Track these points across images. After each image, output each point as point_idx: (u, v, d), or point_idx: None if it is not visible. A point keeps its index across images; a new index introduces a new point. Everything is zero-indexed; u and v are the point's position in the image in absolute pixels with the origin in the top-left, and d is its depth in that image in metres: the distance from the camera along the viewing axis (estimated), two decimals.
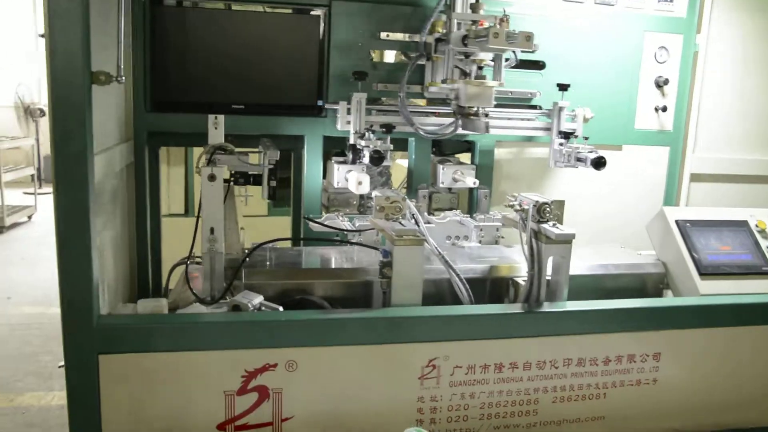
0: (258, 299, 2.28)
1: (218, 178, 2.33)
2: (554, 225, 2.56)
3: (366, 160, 3.05)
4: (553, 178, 3.79)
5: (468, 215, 3.31)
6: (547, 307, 2.47)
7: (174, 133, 3.47)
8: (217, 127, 3.01)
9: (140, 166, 3.28)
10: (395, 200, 2.52)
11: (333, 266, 2.72)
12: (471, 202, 3.77)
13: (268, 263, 2.64)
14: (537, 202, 2.59)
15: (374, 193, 2.70)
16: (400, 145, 4.01)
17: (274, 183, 2.88)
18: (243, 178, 2.92)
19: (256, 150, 3.00)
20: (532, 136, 3.66)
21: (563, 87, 3.43)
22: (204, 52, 3.27)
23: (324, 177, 3.67)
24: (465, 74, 3.20)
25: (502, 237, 3.26)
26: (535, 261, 2.56)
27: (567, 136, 3.41)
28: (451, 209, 3.72)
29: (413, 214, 2.60)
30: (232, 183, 2.95)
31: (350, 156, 3.15)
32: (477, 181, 3.43)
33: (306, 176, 3.51)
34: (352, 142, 3.21)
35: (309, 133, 3.44)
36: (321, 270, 2.64)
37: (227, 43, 3.28)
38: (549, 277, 2.60)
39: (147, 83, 3.23)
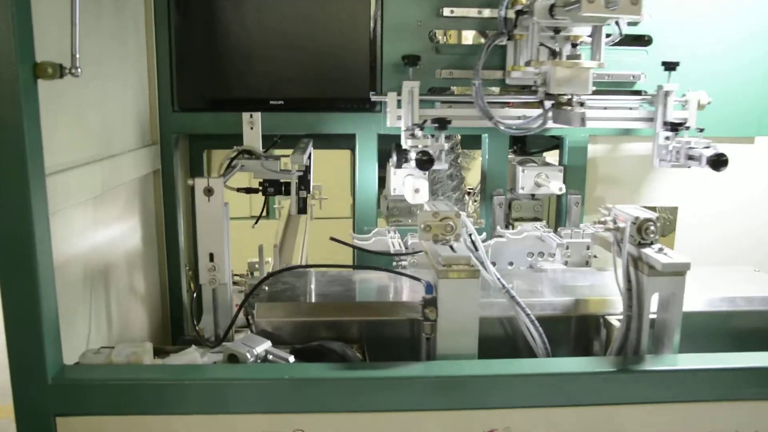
0: (263, 346, 1.78)
1: (216, 192, 1.85)
2: (660, 250, 1.90)
3: (413, 162, 2.49)
4: (660, 182, 3.08)
5: (552, 229, 2.68)
6: (650, 363, 1.82)
7: (212, 136, 3.06)
8: (252, 127, 2.58)
9: (168, 173, 2.88)
10: (446, 216, 1.94)
11: (370, 299, 2.17)
12: (559, 211, 3.13)
13: (288, 293, 2.14)
14: (637, 218, 1.94)
15: (423, 206, 2.14)
16: (475, 142, 3.44)
17: (304, 194, 2.39)
18: (273, 186, 2.46)
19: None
20: (634, 129, 2.97)
21: (671, 66, 2.72)
22: (236, 41, 2.82)
23: (383, 182, 3.15)
24: (554, 54, 2.57)
25: (595, 256, 2.61)
26: (634, 297, 1.91)
27: (675, 127, 2.70)
28: (534, 219, 3.11)
29: (470, 234, 2.02)
30: (262, 193, 2.52)
31: (394, 158, 2.60)
32: (563, 187, 2.79)
33: (359, 181, 3.00)
34: (402, 141, 2.66)
35: (361, 131, 2.92)
36: (352, 306, 2.09)
37: (262, 31, 2.81)
38: (653, 316, 1.94)
39: (173, 79, 2.82)
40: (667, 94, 2.73)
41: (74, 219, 2.04)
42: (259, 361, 1.77)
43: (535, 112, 2.79)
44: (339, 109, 2.86)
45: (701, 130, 2.68)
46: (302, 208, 2.41)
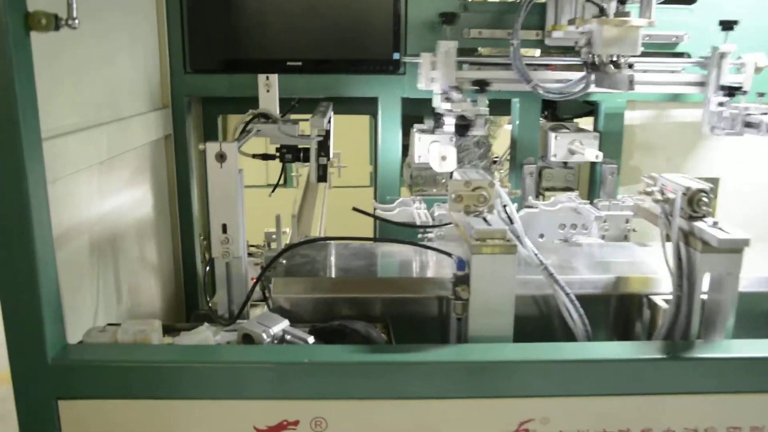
0: (280, 326, 1.65)
1: (230, 158, 1.70)
2: (715, 224, 1.73)
3: (449, 127, 2.33)
4: (705, 151, 2.88)
5: (587, 200, 2.50)
6: (702, 349, 1.66)
7: (227, 99, 2.90)
8: (269, 90, 2.42)
9: (180, 137, 2.73)
10: (478, 185, 1.78)
11: (395, 274, 2.02)
12: (593, 181, 2.95)
13: (307, 267, 1.99)
14: (688, 188, 1.77)
15: (454, 174, 1.98)
16: (503, 108, 3.25)
17: (324, 160, 2.23)
18: (291, 153, 2.30)
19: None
20: (677, 95, 2.77)
21: (728, 25, 2.50)
22: None
23: (406, 149, 2.98)
24: (601, 11, 2.37)
25: (634, 230, 2.43)
26: (684, 276, 1.74)
27: (732, 92, 2.49)
28: (566, 189, 2.94)
29: (505, 206, 1.85)
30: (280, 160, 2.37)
31: (431, 122, 2.43)
32: (600, 154, 2.61)
33: (381, 147, 2.83)
34: (435, 105, 2.49)
35: (384, 95, 2.75)
36: (376, 281, 1.94)
37: None
38: (704, 297, 1.78)
39: (185, 38, 2.65)
40: (722, 56, 2.52)
41: (78, 186, 1.90)
42: (275, 341, 1.63)
43: (575, 75, 2.61)
44: (361, 71, 2.69)
45: (762, 95, 2.47)
46: (322, 176, 2.25)
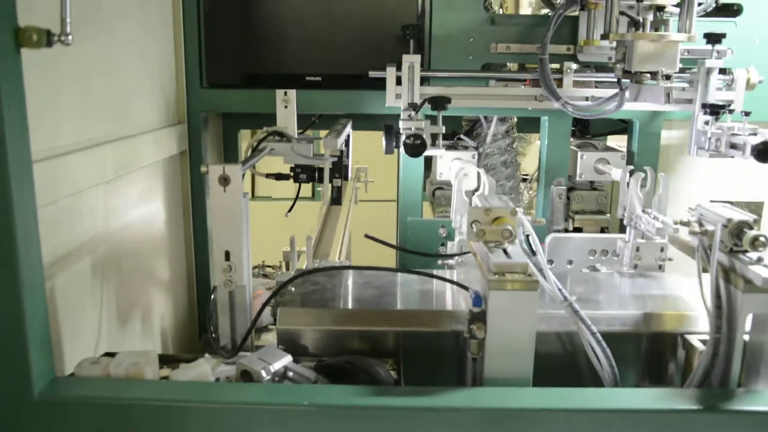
0: (281, 362, 1.54)
1: (233, 181, 1.60)
2: (759, 260, 1.57)
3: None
4: (747, 173, 2.70)
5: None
6: (746, 399, 1.50)
7: (247, 115, 2.83)
8: (287, 105, 2.33)
9: (196, 154, 2.65)
10: (499, 215, 1.65)
11: (410, 305, 1.89)
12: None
13: (317, 296, 1.88)
14: (730, 220, 1.62)
15: (473, 200, 1.86)
16: (532, 125, 3.12)
17: (339, 182, 2.13)
18: (305, 173, 2.21)
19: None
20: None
21: (714, 38, 2.35)
22: (272, 11, 2.57)
23: (428, 168, 2.88)
24: (636, 25, 2.24)
25: (670, 259, 2.27)
26: (723, 316, 1.59)
27: (715, 110, 2.32)
28: (598, 212, 2.79)
29: (527, 235, 1.72)
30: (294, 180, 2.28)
31: (383, 140, 2.30)
32: (624, 172, 2.45)
33: (403, 165, 2.72)
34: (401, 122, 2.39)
35: None
36: (388, 314, 1.82)
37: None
38: (746, 338, 1.62)
39: (202, 51, 2.58)
40: (708, 71, 2.36)
41: (81, 207, 1.83)
42: (276, 379, 1.53)
43: (604, 92, 2.47)
44: (382, 87, 2.58)
45: (747, 114, 2.29)
46: (336, 199, 2.15)
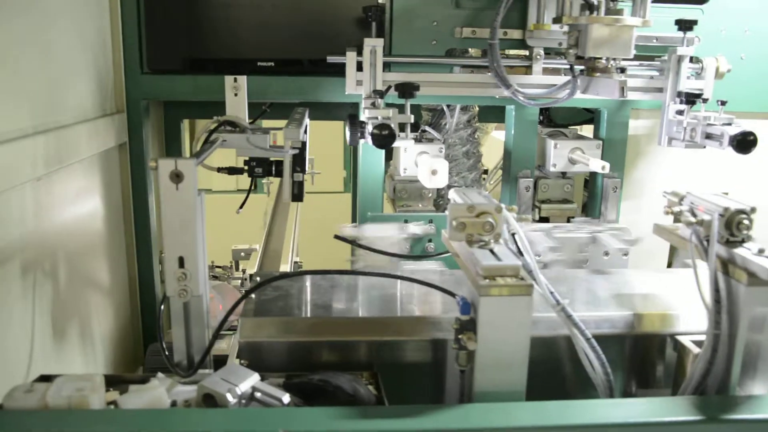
0: (248, 382, 1.36)
1: (187, 177, 1.41)
2: (761, 251, 1.48)
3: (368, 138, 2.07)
4: (710, 162, 2.64)
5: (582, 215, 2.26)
6: (752, 407, 1.41)
7: (192, 103, 2.60)
8: (237, 93, 2.12)
9: (137, 146, 2.42)
10: (484, 211, 1.51)
11: (383, 311, 1.73)
12: (593, 194, 2.71)
13: (279, 304, 1.70)
14: (726, 209, 1.53)
15: (450, 194, 1.71)
16: (493, 114, 3.00)
17: (300, 177, 1.95)
18: (261, 166, 2.01)
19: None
20: None
21: (686, 25, 2.28)
22: None
23: (389, 159, 2.71)
24: (591, 8, 2.12)
25: (627, 252, 2.19)
26: (723, 311, 1.50)
27: (691, 99, 2.26)
28: (564, 201, 2.70)
29: (513, 233, 1.58)
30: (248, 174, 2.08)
31: (347, 131, 2.15)
32: (607, 165, 2.37)
33: (362, 159, 2.55)
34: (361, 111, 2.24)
35: None
36: (362, 322, 1.65)
37: None
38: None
39: (141, 34, 2.34)
40: (680, 59, 2.31)
41: (7, 206, 1.59)
42: (243, 402, 1.35)
43: (559, 79, 2.37)
44: (340, 73, 2.40)
45: (723, 103, 2.24)
46: (297, 195, 1.97)
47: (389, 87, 2.15)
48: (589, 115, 2.82)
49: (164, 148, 2.78)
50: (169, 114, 2.79)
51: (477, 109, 2.87)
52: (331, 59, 2.27)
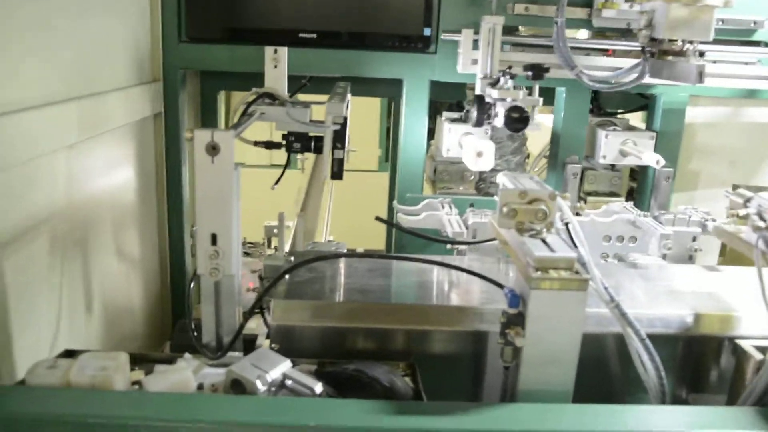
0: (279, 369, 1.29)
1: (224, 150, 1.33)
2: None
3: (499, 120, 1.96)
4: None
5: (636, 209, 2.13)
6: None
7: (229, 74, 2.53)
8: (277, 65, 2.03)
9: (172, 116, 2.35)
10: (536, 197, 1.41)
11: (421, 298, 1.64)
12: (643, 186, 2.58)
13: (315, 286, 1.62)
14: None
15: (499, 178, 1.61)
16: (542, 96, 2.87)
17: (341, 154, 1.86)
18: (299, 141, 1.93)
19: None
20: (752, 90, 2.39)
21: None
22: None
23: (430, 139, 2.61)
24: None
25: (700, 249, 2.06)
26: None
27: None
28: (611, 194, 2.58)
29: (566, 223, 1.48)
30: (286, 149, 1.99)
31: (474, 114, 2.06)
32: (661, 160, 2.24)
33: (403, 138, 2.46)
34: (478, 91, 2.11)
35: (410, 77, 2.38)
36: (400, 309, 1.56)
37: None
38: None
39: (181, 2, 2.27)
40: None
41: (39, 174, 1.54)
42: (273, 389, 1.27)
43: (623, 62, 2.24)
44: (385, 47, 2.30)
45: None
46: (337, 173, 1.88)
47: (510, 67, 2.04)
48: (643, 101, 2.69)
49: (199, 121, 2.71)
50: (205, 85, 2.72)
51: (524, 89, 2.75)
52: (445, 36, 2.20)
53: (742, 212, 1.54)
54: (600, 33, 2.40)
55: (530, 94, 2.00)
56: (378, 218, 1.63)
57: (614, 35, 2.34)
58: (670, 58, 2.00)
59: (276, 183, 2.27)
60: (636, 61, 2.19)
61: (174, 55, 2.30)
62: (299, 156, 5.57)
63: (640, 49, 2.14)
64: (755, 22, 2.32)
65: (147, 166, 2.29)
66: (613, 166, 2.57)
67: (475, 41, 2.16)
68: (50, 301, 1.62)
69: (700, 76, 1.98)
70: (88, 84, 1.78)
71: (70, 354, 1.42)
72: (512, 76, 1.99)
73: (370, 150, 6.94)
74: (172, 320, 2.48)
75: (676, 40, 2.01)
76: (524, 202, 1.42)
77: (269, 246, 2.84)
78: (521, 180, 1.53)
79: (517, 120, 1.82)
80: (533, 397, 1.32)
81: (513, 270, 1.79)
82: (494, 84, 1.99)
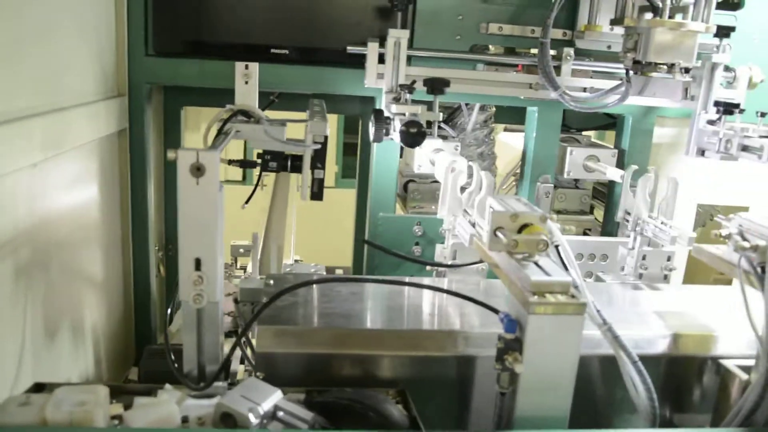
0: (271, 400, 1.23)
1: (209, 171, 1.27)
2: None
3: (396, 135, 1.95)
4: (729, 174, 2.55)
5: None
6: None
7: (193, 89, 2.45)
8: (248, 81, 1.98)
9: (138, 133, 2.27)
10: (527, 221, 1.39)
11: (406, 323, 1.60)
12: (610, 204, 2.61)
13: (298, 311, 1.56)
14: None
15: (489, 203, 1.58)
16: (511, 115, 2.90)
17: (321, 174, 1.82)
18: (275, 160, 1.88)
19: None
20: None
21: (723, 31, 2.19)
22: None
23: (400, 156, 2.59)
24: (655, 12, 2.02)
25: (674, 269, 2.09)
26: None
27: (729, 109, 2.17)
28: (580, 212, 2.60)
29: (556, 246, 1.47)
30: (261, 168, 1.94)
31: (372, 127, 2.04)
32: (624, 173, 2.27)
33: (375, 156, 2.43)
34: (383, 106, 2.12)
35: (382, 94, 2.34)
36: (388, 335, 1.51)
37: None
38: None
39: (147, 13, 2.19)
40: (714, 67, 2.21)
41: (1, 195, 1.44)
42: (264, 422, 1.21)
43: (604, 83, 2.26)
44: (358, 63, 2.27)
45: (763, 115, 2.13)
46: (317, 193, 1.83)
47: (413, 81, 2.03)
48: (608, 120, 2.73)
49: (162, 138, 2.62)
50: (169, 100, 2.64)
51: (494, 109, 2.76)
52: (351, 50, 2.15)
53: (725, 232, 1.56)
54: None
55: (430, 109, 1.99)
56: (366, 241, 1.59)
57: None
58: (652, 75, 2.03)
59: (246, 202, 2.21)
60: (615, 83, 2.22)
61: (140, 69, 2.22)
62: (256, 173, 5.49)
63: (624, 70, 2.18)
64: (717, 47, 2.38)
65: (110, 185, 2.19)
66: (576, 182, 2.61)
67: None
68: (13, 330, 1.52)
69: (686, 92, 2.02)
70: (52, 98, 1.69)
71: (40, 388, 1.33)
72: (410, 91, 1.99)
73: (328, 166, 6.86)
74: (136, 344, 2.37)
75: (662, 64, 2.05)
76: (515, 226, 1.40)
77: (236, 266, 2.76)
78: (509, 202, 1.51)
79: (414, 134, 1.81)
80: (530, 423, 1.29)
81: (495, 290, 1.79)
82: (397, 99, 1.99)
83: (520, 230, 1.40)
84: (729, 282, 3.96)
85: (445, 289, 1.52)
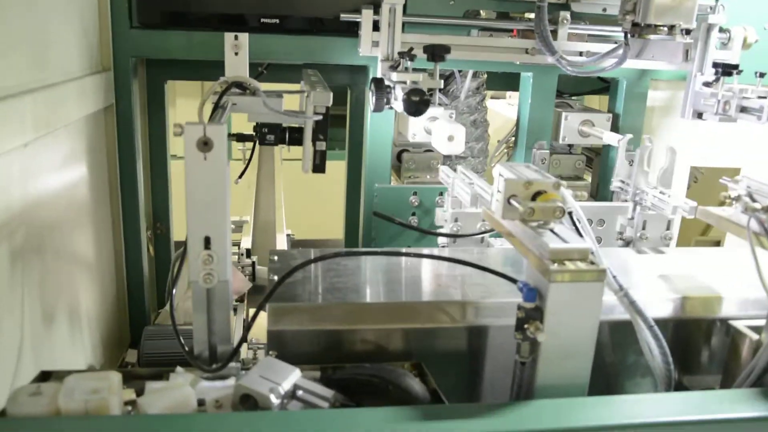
0: (290, 379, 1.20)
1: (216, 146, 1.22)
2: None
3: (398, 104, 1.91)
4: (722, 137, 2.55)
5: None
6: None
7: (177, 62, 2.37)
8: (238, 52, 1.92)
9: (125, 108, 2.19)
10: (541, 189, 1.37)
11: (416, 294, 1.57)
12: (603, 168, 2.60)
13: (307, 288, 1.53)
14: None
15: (498, 170, 1.55)
16: (503, 81, 2.86)
17: (323, 146, 1.77)
18: (273, 133, 1.83)
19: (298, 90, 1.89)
20: None
21: None
22: None
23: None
24: None
25: (672, 237, 2.09)
26: None
27: (728, 71, 2.16)
28: (575, 178, 2.59)
29: (570, 213, 1.45)
30: (258, 142, 1.89)
31: (372, 95, 2.00)
32: (622, 138, 2.26)
33: (370, 125, 2.38)
34: (379, 74, 2.08)
35: (376, 63, 2.28)
36: (400, 308, 1.48)
37: None
38: None
39: None
40: (710, 28, 2.20)
41: None
42: (285, 402, 1.19)
43: (601, 47, 2.24)
44: (350, 32, 2.21)
45: (762, 75, 2.13)
46: (319, 165, 1.78)
47: (411, 48, 1.98)
48: (602, 85, 2.71)
49: (146, 113, 2.54)
50: (152, 74, 2.55)
51: (486, 75, 2.72)
52: (345, 17, 2.09)
53: (733, 193, 1.55)
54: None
55: (431, 76, 1.96)
56: (376, 213, 1.55)
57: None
58: (650, 36, 2.00)
59: (240, 177, 2.16)
60: (611, 46, 2.19)
61: (125, 42, 2.13)
62: (240, 147, 5.41)
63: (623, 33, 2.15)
64: (710, 8, 2.35)
65: (99, 163, 2.13)
66: (570, 148, 2.59)
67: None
68: (13, 314, 1.46)
69: (687, 54, 2.00)
70: (40, 75, 1.62)
71: (47, 376, 1.29)
72: (411, 58, 1.95)
73: None
74: (131, 325, 2.33)
75: (661, 26, 2.02)
76: (528, 193, 1.38)
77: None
78: (518, 169, 1.49)
79: (418, 103, 1.78)
80: (550, 392, 1.28)
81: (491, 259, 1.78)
82: (395, 67, 1.95)
83: (533, 198, 1.37)
84: (711, 244, 4.01)
85: (463, 261, 1.49)
